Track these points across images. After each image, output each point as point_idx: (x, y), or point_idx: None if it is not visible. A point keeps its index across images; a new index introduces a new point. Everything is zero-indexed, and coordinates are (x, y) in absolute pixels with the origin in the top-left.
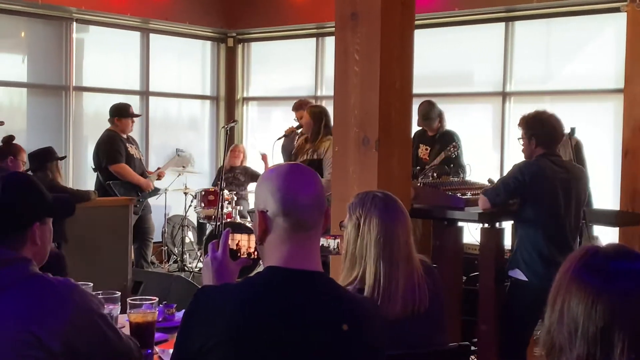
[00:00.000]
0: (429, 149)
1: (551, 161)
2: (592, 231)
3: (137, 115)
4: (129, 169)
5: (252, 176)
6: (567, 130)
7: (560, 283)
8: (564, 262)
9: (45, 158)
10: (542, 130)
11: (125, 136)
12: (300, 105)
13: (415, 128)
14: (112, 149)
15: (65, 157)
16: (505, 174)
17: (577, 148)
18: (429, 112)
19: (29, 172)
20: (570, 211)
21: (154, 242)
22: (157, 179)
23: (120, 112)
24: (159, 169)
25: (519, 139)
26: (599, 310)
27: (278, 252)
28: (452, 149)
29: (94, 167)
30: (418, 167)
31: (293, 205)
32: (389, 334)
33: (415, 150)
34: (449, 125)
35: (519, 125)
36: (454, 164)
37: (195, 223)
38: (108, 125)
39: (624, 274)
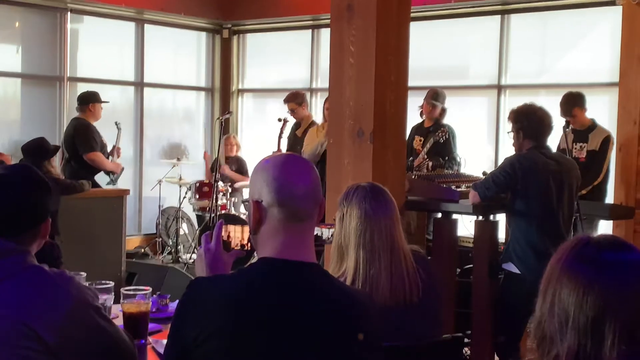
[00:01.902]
0: (423, 139)
1: (542, 153)
2: (596, 225)
3: (105, 102)
4: (103, 157)
5: (242, 168)
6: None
7: (552, 273)
8: (555, 252)
9: (41, 155)
10: (528, 123)
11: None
12: (291, 97)
13: (411, 120)
14: (88, 138)
15: (59, 147)
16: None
17: (604, 142)
18: (439, 95)
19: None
20: (563, 203)
21: (149, 234)
22: (117, 158)
23: (95, 98)
24: (114, 146)
25: (508, 132)
26: (590, 300)
27: (272, 242)
28: (440, 133)
29: (67, 156)
30: (411, 158)
31: (288, 196)
32: (382, 323)
33: (410, 141)
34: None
35: (509, 118)
36: (448, 157)
37: (190, 215)
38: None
39: (615, 265)
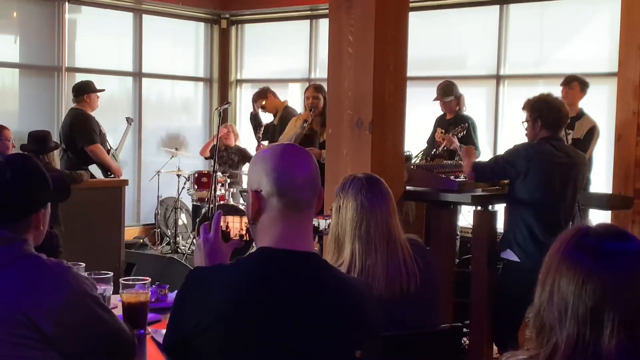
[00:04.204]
0: (444, 132)
1: (552, 145)
2: (587, 215)
3: (101, 90)
4: (104, 150)
5: (245, 157)
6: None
7: (551, 262)
8: (554, 242)
9: (38, 147)
10: (548, 112)
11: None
12: (255, 96)
13: (411, 111)
14: (88, 129)
15: (58, 146)
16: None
17: (589, 132)
18: (448, 90)
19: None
20: (566, 195)
21: (148, 224)
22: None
23: (89, 88)
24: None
25: (523, 122)
26: (589, 290)
27: (270, 232)
28: (459, 128)
29: (64, 147)
30: (435, 150)
31: (287, 186)
32: (380, 313)
33: (432, 133)
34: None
35: (524, 108)
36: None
37: (188, 205)
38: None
39: (615, 254)
